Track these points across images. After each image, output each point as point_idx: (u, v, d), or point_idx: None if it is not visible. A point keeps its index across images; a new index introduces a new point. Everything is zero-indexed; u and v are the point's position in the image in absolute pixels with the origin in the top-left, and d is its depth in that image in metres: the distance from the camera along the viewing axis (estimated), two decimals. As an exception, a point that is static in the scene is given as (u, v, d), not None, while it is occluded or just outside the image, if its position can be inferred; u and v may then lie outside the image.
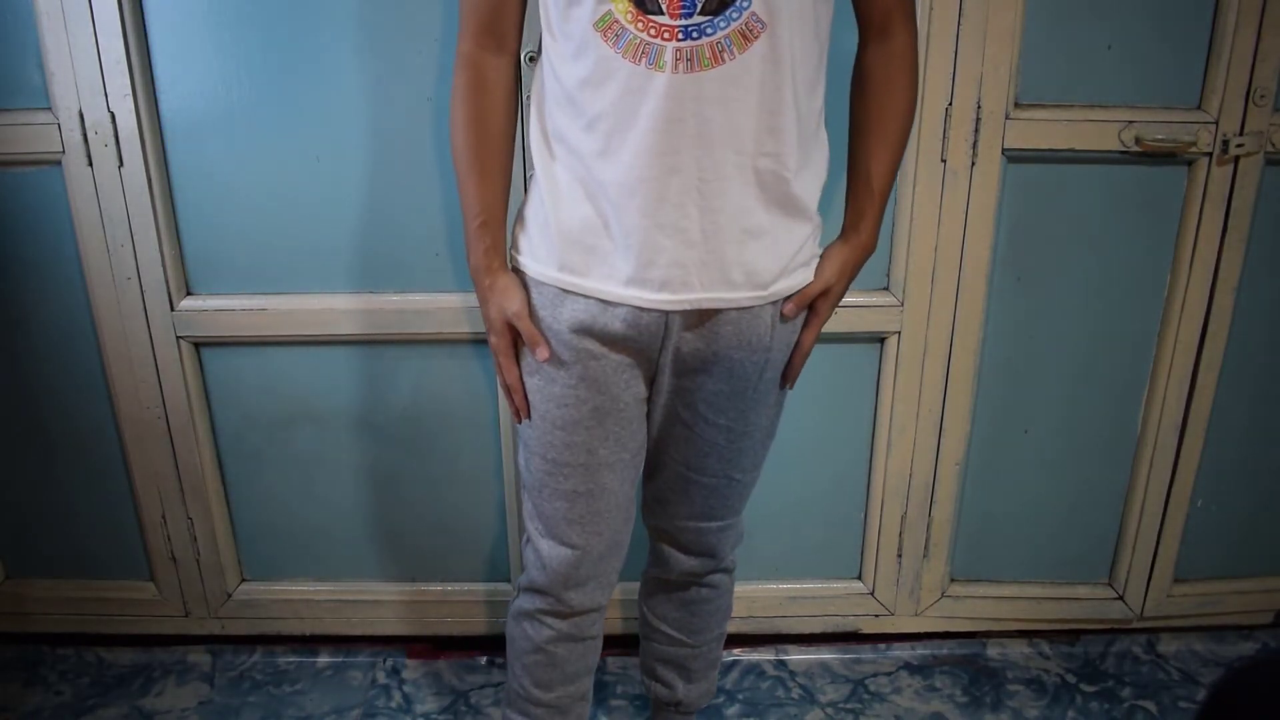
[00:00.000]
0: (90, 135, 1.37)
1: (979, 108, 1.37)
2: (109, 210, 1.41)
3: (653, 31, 0.90)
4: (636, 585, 1.65)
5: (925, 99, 1.36)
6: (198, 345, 1.51)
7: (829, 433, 1.58)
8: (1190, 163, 1.41)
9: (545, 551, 1.14)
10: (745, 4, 0.90)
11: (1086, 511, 1.64)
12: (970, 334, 1.50)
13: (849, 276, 1.10)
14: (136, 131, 1.36)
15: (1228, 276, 1.46)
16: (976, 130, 1.38)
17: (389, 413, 1.55)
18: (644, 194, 0.96)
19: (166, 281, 1.45)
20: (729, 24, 0.90)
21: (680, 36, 0.90)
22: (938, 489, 1.59)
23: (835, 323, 1.48)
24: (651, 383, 1.09)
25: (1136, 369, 1.54)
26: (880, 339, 1.51)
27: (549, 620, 1.18)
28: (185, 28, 1.33)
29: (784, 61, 0.93)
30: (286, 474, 1.60)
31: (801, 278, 1.06)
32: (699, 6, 0.90)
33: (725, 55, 0.91)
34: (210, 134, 1.39)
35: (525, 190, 1.14)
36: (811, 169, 1.03)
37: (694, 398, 1.09)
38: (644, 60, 0.91)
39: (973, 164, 1.40)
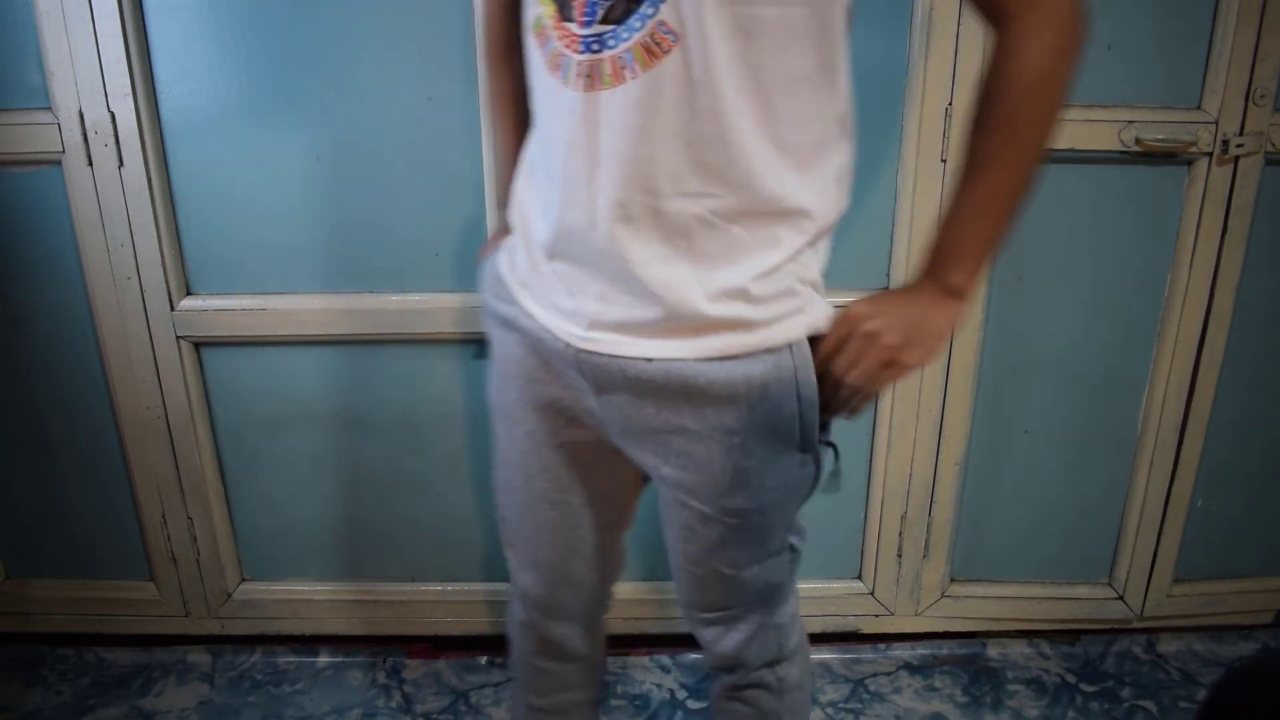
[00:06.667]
0: (90, 135, 1.37)
1: (979, 108, 1.37)
2: (109, 210, 1.41)
3: (566, 41, 0.78)
4: (635, 584, 1.66)
5: (925, 99, 1.36)
6: (198, 345, 1.51)
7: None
8: (1190, 163, 1.41)
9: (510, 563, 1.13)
10: (651, 11, 0.74)
11: (1086, 511, 1.64)
12: (970, 334, 1.49)
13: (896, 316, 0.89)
14: (136, 131, 1.36)
15: (1228, 276, 1.46)
16: (976, 130, 1.38)
17: (389, 413, 1.55)
18: (552, 225, 0.85)
19: (166, 281, 1.45)
20: (631, 35, 0.74)
21: (581, 49, 0.77)
22: (938, 489, 1.59)
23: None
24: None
25: (1136, 369, 1.54)
26: (880, 339, 1.51)
27: (532, 637, 1.16)
28: (185, 27, 1.33)
29: (714, 83, 0.75)
30: (286, 474, 1.60)
31: (729, 339, 0.84)
32: (600, 14, 0.76)
33: (626, 73, 0.75)
34: (210, 134, 1.39)
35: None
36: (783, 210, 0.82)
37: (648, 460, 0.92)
38: (558, 73, 0.79)
39: (973, 164, 1.39)
